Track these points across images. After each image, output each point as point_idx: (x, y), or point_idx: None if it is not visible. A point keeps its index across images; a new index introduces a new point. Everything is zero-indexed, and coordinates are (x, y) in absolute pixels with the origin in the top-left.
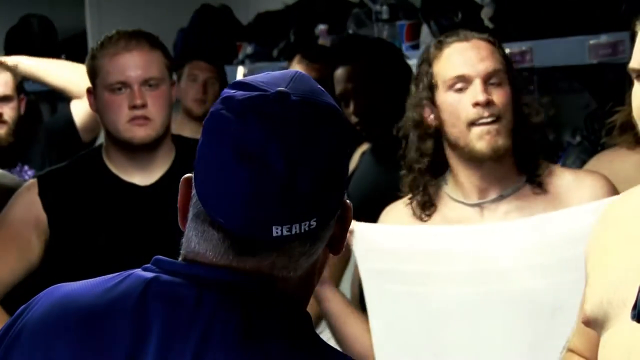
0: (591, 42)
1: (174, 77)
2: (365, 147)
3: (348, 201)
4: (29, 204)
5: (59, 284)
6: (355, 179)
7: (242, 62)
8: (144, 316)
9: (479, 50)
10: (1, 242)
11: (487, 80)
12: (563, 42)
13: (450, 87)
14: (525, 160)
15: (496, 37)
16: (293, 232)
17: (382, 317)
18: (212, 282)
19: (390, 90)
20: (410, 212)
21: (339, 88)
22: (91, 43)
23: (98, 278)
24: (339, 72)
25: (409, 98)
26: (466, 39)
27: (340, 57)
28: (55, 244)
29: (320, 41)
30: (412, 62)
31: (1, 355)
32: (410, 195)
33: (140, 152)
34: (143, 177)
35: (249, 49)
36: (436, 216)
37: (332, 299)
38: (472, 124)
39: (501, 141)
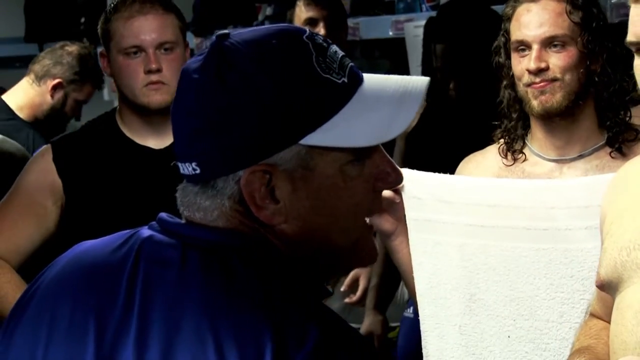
0: (613, 0)
1: (187, 40)
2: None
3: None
4: (43, 171)
5: (83, 242)
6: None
7: (261, 24)
8: (135, 277)
9: (544, 13)
10: (17, 209)
11: (547, 45)
12: None
13: (515, 49)
14: (604, 120)
15: None
16: (186, 171)
17: (427, 269)
18: (194, 240)
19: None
20: (492, 162)
21: (438, 61)
22: None
23: (115, 234)
24: (439, 47)
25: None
26: None
27: (438, 30)
28: (71, 209)
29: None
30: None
31: (19, 312)
32: (495, 144)
33: (155, 116)
34: (157, 141)
35: (268, 10)
36: (516, 168)
37: (400, 251)
38: (528, 85)
39: (556, 101)
